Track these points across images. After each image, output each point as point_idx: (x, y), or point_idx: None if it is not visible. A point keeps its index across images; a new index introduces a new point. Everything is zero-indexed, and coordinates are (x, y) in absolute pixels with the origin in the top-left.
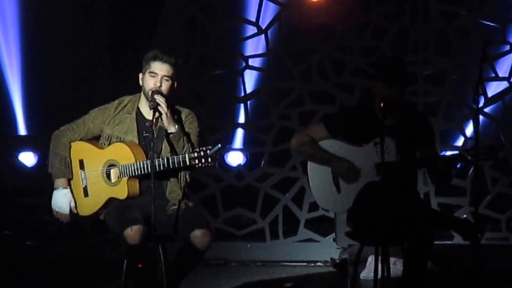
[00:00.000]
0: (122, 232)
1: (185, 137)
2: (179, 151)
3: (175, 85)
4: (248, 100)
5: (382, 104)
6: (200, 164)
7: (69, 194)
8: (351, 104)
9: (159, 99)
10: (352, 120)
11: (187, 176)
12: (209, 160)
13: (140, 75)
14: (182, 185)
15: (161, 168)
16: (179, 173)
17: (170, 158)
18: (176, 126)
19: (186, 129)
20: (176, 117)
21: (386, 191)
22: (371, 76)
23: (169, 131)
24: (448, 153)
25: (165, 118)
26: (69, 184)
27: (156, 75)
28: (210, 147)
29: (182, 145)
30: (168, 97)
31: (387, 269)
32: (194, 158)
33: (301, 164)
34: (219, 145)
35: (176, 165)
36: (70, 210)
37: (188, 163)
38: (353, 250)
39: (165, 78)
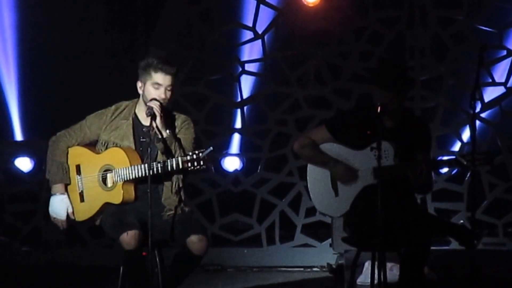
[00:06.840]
0: (118, 237)
1: (176, 142)
2: (171, 156)
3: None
4: (245, 105)
5: (379, 109)
6: (193, 167)
7: (66, 200)
8: (352, 108)
9: (154, 103)
10: (353, 124)
11: (180, 181)
12: (202, 163)
13: (139, 84)
14: (175, 190)
15: (155, 172)
16: (173, 178)
17: (163, 161)
18: (168, 131)
19: (182, 135)
20: (169, 122)
21: (383, 196)
22: (370, 80)
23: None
24: (445, 158)
25: (159, 120)
26: (66, 190)
27: (160, 87)
28: (203, 150)
29: (174, 150)
30: (163, 103)
31: (383, 275)
32: (187, 161)
33: (297, 169)
34: (211, 148)
35: (169, 169)
36: (67, 215)
37: (181, 166)
38: (349, 256)
39: (168, 88)
